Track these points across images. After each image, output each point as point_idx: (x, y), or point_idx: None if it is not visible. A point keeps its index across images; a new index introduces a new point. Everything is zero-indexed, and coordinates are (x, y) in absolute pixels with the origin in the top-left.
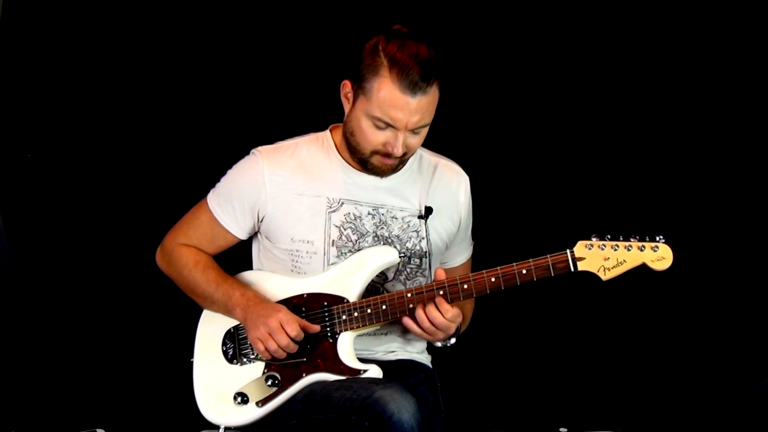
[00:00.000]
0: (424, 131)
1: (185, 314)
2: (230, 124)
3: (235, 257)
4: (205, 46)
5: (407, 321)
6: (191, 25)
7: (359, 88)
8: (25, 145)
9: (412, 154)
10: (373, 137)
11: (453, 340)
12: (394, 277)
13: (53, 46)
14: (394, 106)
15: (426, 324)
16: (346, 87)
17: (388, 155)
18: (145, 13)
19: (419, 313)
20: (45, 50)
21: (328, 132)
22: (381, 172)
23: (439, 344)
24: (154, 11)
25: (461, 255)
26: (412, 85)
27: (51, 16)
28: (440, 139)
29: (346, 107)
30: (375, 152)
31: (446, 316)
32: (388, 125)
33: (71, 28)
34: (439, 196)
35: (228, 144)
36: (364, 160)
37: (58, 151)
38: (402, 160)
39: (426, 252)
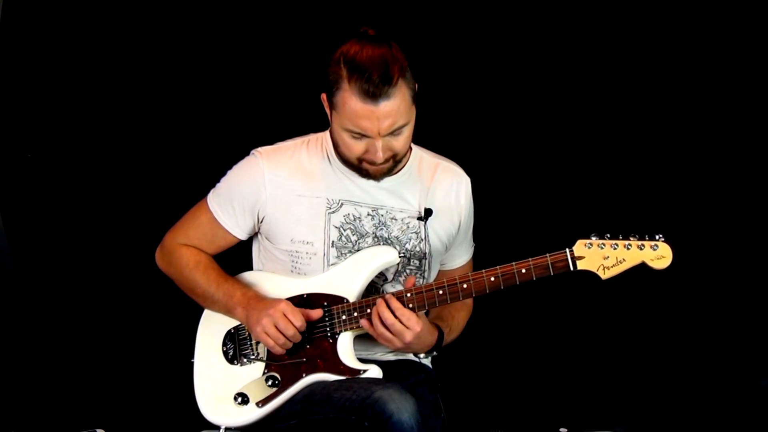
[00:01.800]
0: (406, 131)
1: (186, 315)
2: (230, 124)
3: (235, 258)
4: (205, 46)
5: (364, 322)
6: (191, 25)
7: (331, 103)
8: (25, 145)
9: (403, 156)
10: (353, 147)
11: (422, 357)
12: (393, 278)
13: (53, 46)
14: (360, 116)
15: (378, 326)
16: (324, 101)
17: (372, 162)
18: (144, 14)
19: (372, 312)
20: (45, 50)
21: (327, 133)
22: (374, 176)
23: (416, 357)
24: (153, 12)
25: (461, 257)
26: (372, 92)
27: (51, 16)
28: (440, 138)
29: (329, 119)
30: (361, 160)
31: (396, 313)
32: (362, 135)
33: (71, 28)
34: (439, 197)
35: (228, 144)
36: (356, 170)
37: (58, 151)
38: (395, 161)
39: (425, 253)
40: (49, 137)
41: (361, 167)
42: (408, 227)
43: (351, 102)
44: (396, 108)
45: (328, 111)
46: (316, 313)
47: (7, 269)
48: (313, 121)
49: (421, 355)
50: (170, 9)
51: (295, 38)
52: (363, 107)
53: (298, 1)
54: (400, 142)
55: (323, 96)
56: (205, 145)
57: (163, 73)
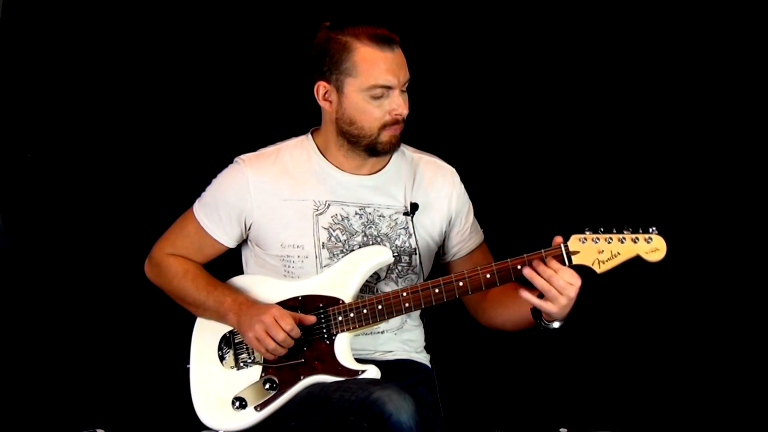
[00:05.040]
0: (406, 92)
1: (186, 316)
2: (214, 130)
3: (226, 264)
4: (194, 54)
5: (525, 293)
6: (184, 34)
7: (339, 74)
8: (25, 145)
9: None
10: (376, 112)
11: (556, 324)
12: (386, 276)
13: (53, 46)
14: (382, 67)
15: (540, 283)
16: (322, 87)
17: (395, 122)
18: (142, 18)
19: (530, 273)
20: (45, 50)
21: (309, 135)
22: (391, 146)
23: (554, 324)
24: (151, 18)
25: (470, 241)
26: (386, 40)
27: (51, 16)
28: (434, 133)
29: (330, 106)
30: (383, 126)
31: (559, 273)
32: (384, 88)
33: (71, 29)
34: (424, 191)
35: (214, 151)
36: (372, 144)
37: (58, 151)
38: (402, 127)
39: (415, 249)
40: (49, 137)
41: (378, 140)
42: (396, 223)
43: (368, 54)
44: (404, 59)
45: (329, 98)
46: (310, 319)
47: (7, 269)
48: (294, 125)
49: (555, 324)
50: (165, 17)
51: (277, 45)
52: (383, 56)
53: (282, 8)
54: (407, 102)
55: (320, 84)
56: (196, 152)
57: (150, 83)
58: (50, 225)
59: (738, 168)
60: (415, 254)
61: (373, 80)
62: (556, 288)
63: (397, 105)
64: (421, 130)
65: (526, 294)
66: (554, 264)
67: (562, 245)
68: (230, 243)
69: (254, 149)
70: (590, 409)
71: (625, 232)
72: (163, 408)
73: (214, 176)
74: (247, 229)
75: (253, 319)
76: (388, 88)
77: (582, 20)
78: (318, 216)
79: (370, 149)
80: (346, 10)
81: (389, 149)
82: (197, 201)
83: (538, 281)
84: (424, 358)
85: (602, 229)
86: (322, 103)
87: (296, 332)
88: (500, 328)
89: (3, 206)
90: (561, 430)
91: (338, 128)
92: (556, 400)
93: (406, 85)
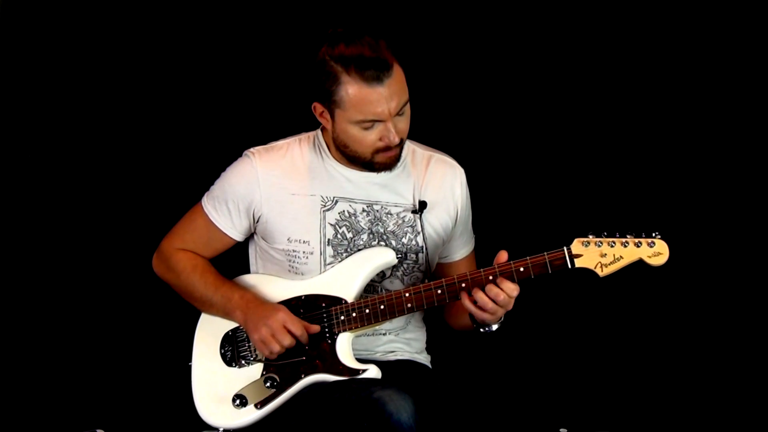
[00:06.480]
0: (408, 109)
1: (187, 315)
2: (224, 126)
3: (233, 261)
4: (198, 50)
5: (464, 298)
6: (186, 31)
7: (331, 104)
8: (25, 145)
9: (406, 137)
10: (366, 140)
11: (495, 326)
12: (391, 274)
13: (53, 46)
14: (370, 102)
15: (487, 304)
16: (318, 108)
17: (387, 148)
18: (142, 17)
19: (479, 295)
20: (45, 50)
21: (319, 131)
22: (388, 165)
23: (493, 327)
24: (151, 17)
25: (463, 248)
26: (376, 74)
27: (51, 16)
28: (437, 134)
29: (328, 125)
30: (375, 151)
31: (503, 288)
32: (374, 121)
33: (71, 29)
34: (434, 189)
35: (222, 146)
36: (368, 163)
37: (58, 151)
38: (402, 145)
39: (422, 247)
40: (49, 137)
41: (374, 161)
42: (404, 221)
43: (357, 91)
44: (398, 85)
45: (326, 117)
46: (314, 329)
47: (7, 270)
48: (305, 120)
49: (495, 326)
50: (166, 14)
51: (285, 40)
52: (371, 91)
53: (287, 5)
54: (404, 123)
55: (316, 105)
56: (202, 147)
57: (159, 76)
58: (51, 224)
59: (741, 173)
60: (422, 252)
61: (361, 116)
62: (499, 305)
63: (387, 134)
64: (426, 130)
65: (466, 301)
66: (507, 285)
67: (565, 248)
68: (238, 236)
69: (264, 144)
70: (590, 409)
71: (628, 236)
72: (164, 407)
73: (223, 171)
74: (256, 221)
75: (260, 321)
76: (379, 121)
77: (584, 24)
78: (325, 212)
79: (367, 167)
80: (351, 14)
81: (385, 168)
82: (206, 194)
83: (480, 297)
84: (425, 359)
85: (605, 233)
86: (320, 119)
87: (305, 339)
88: (459, 329)
89: (2, 206)
90: (561, 430)
91: (335, 145)
92: (556, 400)
93: (403, 108)
